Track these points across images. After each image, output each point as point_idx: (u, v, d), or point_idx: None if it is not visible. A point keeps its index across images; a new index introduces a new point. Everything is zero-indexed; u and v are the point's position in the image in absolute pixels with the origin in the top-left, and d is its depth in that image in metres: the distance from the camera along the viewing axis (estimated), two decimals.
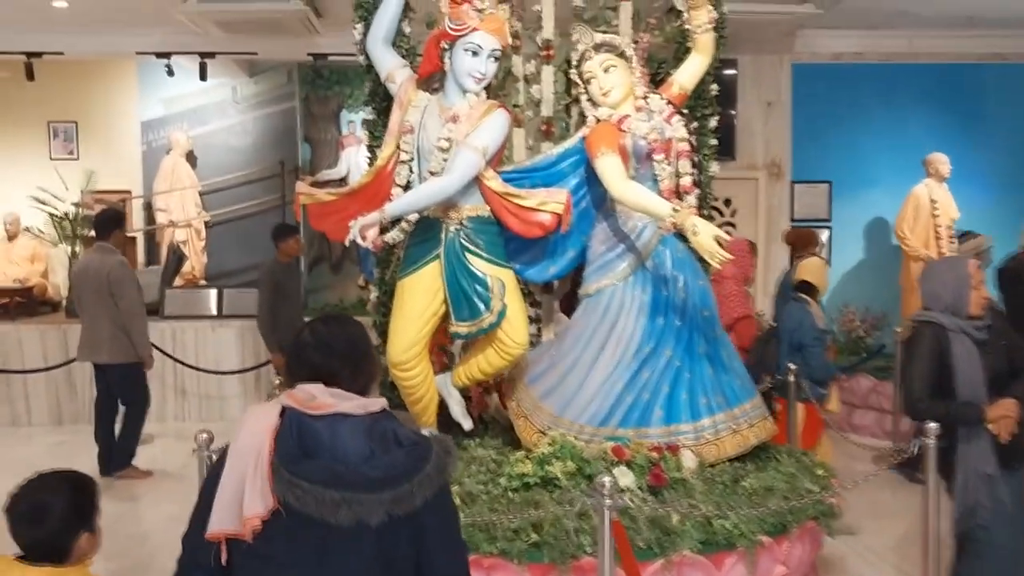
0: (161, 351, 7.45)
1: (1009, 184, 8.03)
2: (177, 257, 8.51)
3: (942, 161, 7.22)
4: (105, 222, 6.17)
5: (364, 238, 3.42)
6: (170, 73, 7.94)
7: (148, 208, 9.22)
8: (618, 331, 3.69)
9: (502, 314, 3.56)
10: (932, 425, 3.33)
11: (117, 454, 6.12)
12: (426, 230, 3.73)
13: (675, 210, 3.36)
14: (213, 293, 8.23)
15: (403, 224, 3.79)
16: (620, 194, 3.53)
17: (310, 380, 1.85)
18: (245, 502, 1.71)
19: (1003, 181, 8.02)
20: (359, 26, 4.13)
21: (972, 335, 3.22)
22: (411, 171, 3.76)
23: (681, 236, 3.55)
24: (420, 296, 3.67)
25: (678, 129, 3.75)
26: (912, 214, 7.25)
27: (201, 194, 9.14)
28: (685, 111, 3.93)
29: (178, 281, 8.62)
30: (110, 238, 6.11)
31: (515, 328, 3.63)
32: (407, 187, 3.75)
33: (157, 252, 9.17)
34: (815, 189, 8.13)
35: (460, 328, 3.62)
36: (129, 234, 9.04)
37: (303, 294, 6.89)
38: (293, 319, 6.36)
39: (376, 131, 4.25)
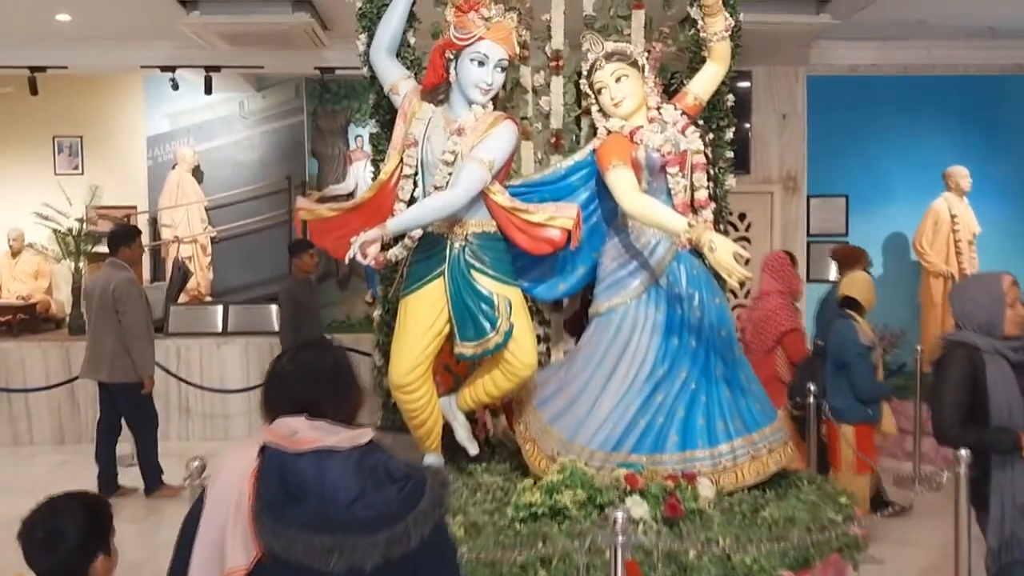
0: (164, 369, 7.34)
1: None
2: (182, 273, 8.41)
3: (962, 175, 7.06)
4: (114, 237, 6.08)
5: (364, 255, 3.27)
6: (175, 87, 7.84)
7: (153, 224, 9.12)
8: (631, 351, 3.52)
9: (509, 334, 3.40)
10: (964, 452, 3.15)
11: (146, 476, 6.03)
12: (430, 246, 3.58)
13: (691, 225, 3.20)
14: (219, 309, 8.11)
15: (406, 240, 3.65)
16: (633, 208, 3.37)
17: (291, 412, 1.69)
18: (226, 554, 1.55)
19: (1022, 194, 7.81)
20: (363, 36, 4.02)
21: (1008, 356, 3.04)
22: (415, 185, 3.62)
23: (697, 252, 3.40)
24: (423, 315, 3.51)
25: (693, 141, 3.59)
26: (931, 229, 7.09)
27: (207, 209, 9.06)
28: (700, 122, 3.77)
29: (183, 297, 8.53)
30: (118, 253, 5.99)
31: (523, 348, 3.47)
32: (411, 202, 3.61)
33: (163, 268, 9.07)
34: (831, 203, 7.96)
35: (465, 349, 3.47)
36: None
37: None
38: (314, 336, 6.24)
39: (380, 144, 4.12)
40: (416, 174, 3.61)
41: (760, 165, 7.92)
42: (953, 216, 7.01)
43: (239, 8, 6.19)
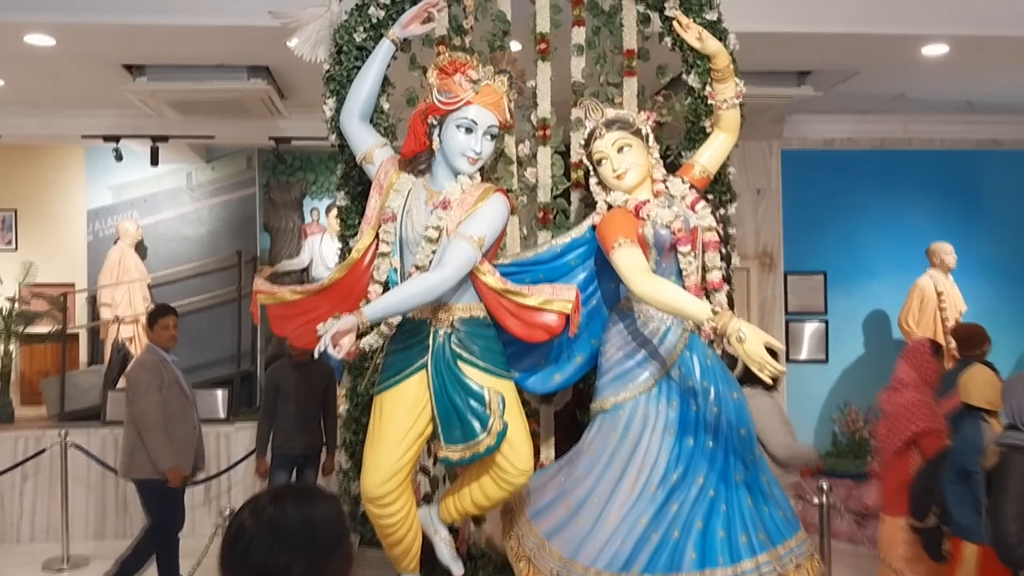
0: (100, 462, 6.74)
1: (1014, 276, 7.65)
2: (122, 356, 7.86)
3: (947, 251, 6.88)
4: (147, 318, 5.62)
5: (337, 347, 2.82)
6: (118, 158, 7.36)
7: (92, 303, 8.57)
8: (640, 454, 3.09)
9: (502, 435, 2.96)
10: None
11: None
12: (410, 335, 3.14)
13: (715, 312, 2.81)
14: None
15: (382, 327, 3.20)
16: (645, 292, 2.97)
17: None
18: None
19: (1006, 273, 7.65)
20: (330, 101, 3.64)
21: None
22: (392, 265, 3.20)
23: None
24: (402, 415, 3.06)
25: (704, 217, 3.23)
26: (918, 307, 6.87)
27: (150, 287, 8.53)
28: (710, 196, 3.43)
29: (123, 382, 7.92)
30: (150, 336, 5.50)
31: (517, 452, 3.03)
32: (387, 285, 3.18)
33: (102, 351, 8.47)
34: (810, 280, 7.70)
35: (451, 453, 3.02)
36: (70, 331, 8.39)
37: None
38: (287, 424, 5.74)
39: (350, 219, 3.72)
40: (393, 252, 3.20)
41: (735, 241, 7.63)
42: (939, 293, 6.80)
43: (190, 75, 5.77)
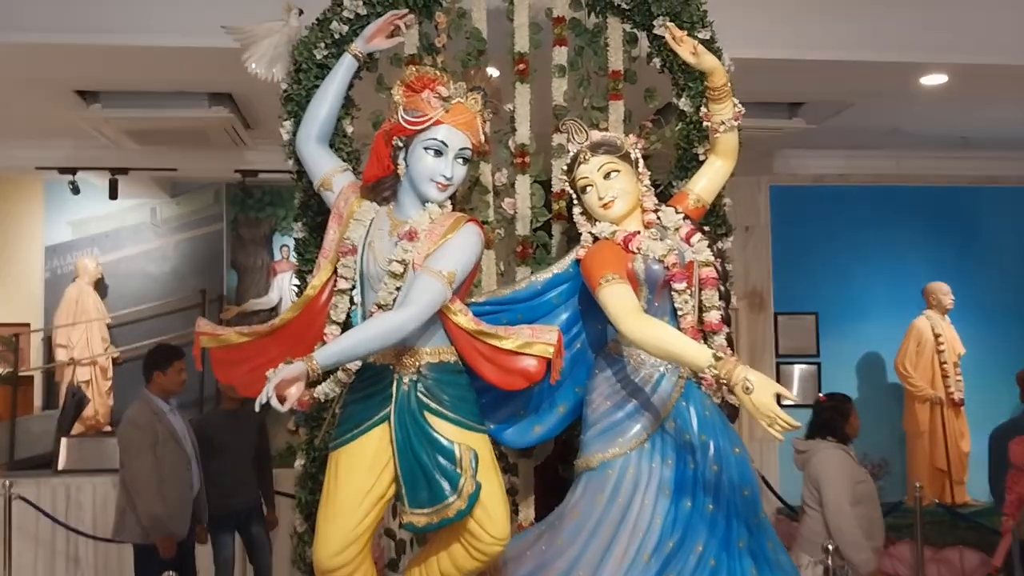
0: (50, 517, 6.27)
1: (1013, 316, 7.40)
2: (77, 400, 7.40)
3: (944, 291, 6.64)
4: (146, 362, 5.06)
5: (282, 399, 2.46)
6: (75, 191, 6.99)
7: (48, 343, 8.16)
8: (632, 518, 2.73)
9: (474, 498, 2.63)
10: None
11: None
12: (371, 382, 2.80)
13: (717, 358, 2.47)
14: (116, 442, 7.09)
15: (339, 374, 2.85)
16: (637, 334, 2.63)
17: None
18: None
19: (1006, 313, 7.40)
20: (288, 123, 3.30)
21: None
22: (352, 303, 2.86)
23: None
24: (360, 475, 2.71)
25: (701, 250, 2.90)
26: (915, 349, 6.60)
27: (110, 327, 8.15)
28: (707, 228, 3.10)
29: (79, 427, 7.51)
30: (151, 383, 4.98)
31: (492, 518, 2.69)
32: (346, 325, 2.84)
33: (57, 394, 8.05)
34: (801, 321, 7.41)
35: (416, 518, 2.67)
36: (23, 373, 7.97)
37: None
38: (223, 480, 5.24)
39: (307, 252, 3.36)
40: (353, 288, 2.86)
41: (733, 278, 7.36)
42: (937, 336, 6.55)
43: (147, 101, 5.41)
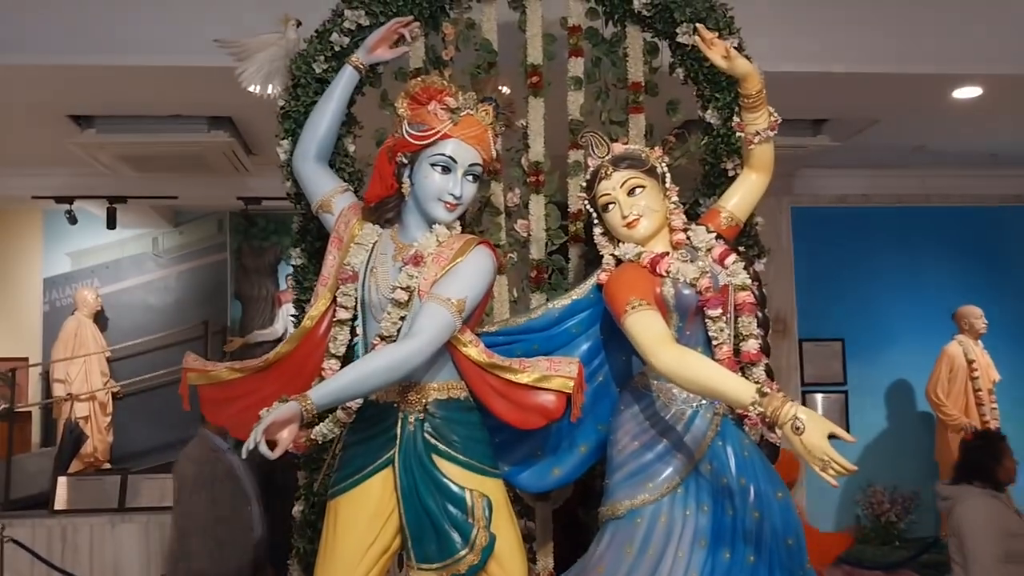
0: (44, 561, 5.99)
1: None
2: (74, 437, 7.13)
3: (976, 315, 6.37)
4: None
5: (273, 444, 2.20)
6: (72, 221, 6.81)
7: (47, 378, 7.94)
8: (664, 572, 2.45)
9: (488, 551, 2.39)
10: None
11: None
12: (373, 422, 2.55)
13: (762, 394, 2.20)
14: (116, 480, 6.83)
15: (338, 413, 2.59)
16: (668, 366, 2.36)
17: None
18: None
19: None
20: (285, 143, 3.06)
21: None
22: (353, 335, 2.62)
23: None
24: (361, 527, 2.45)
25: (736, 273, 2.64)
26: (947, 376, 6.33)
27: (109, 361, 7.92)
28: (741, 248, 2.85)
29: (77, 465, 7.26)
30: (205, 421, 4.61)
31: (509, 572, 2.45)
32: (347, 358, 2.59)
33: (55, 431, 7.82)
34: (827, 348, 7.12)
35: (425, 574, 2.42)
36: (21, 409, 7.74)
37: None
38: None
39: (306, 280, 3.12)
40: (355, 319, 2.61)
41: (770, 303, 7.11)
42: (971, 361, 6.28)
43: (144, 126, 5.23)
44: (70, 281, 8.13)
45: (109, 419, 7.82)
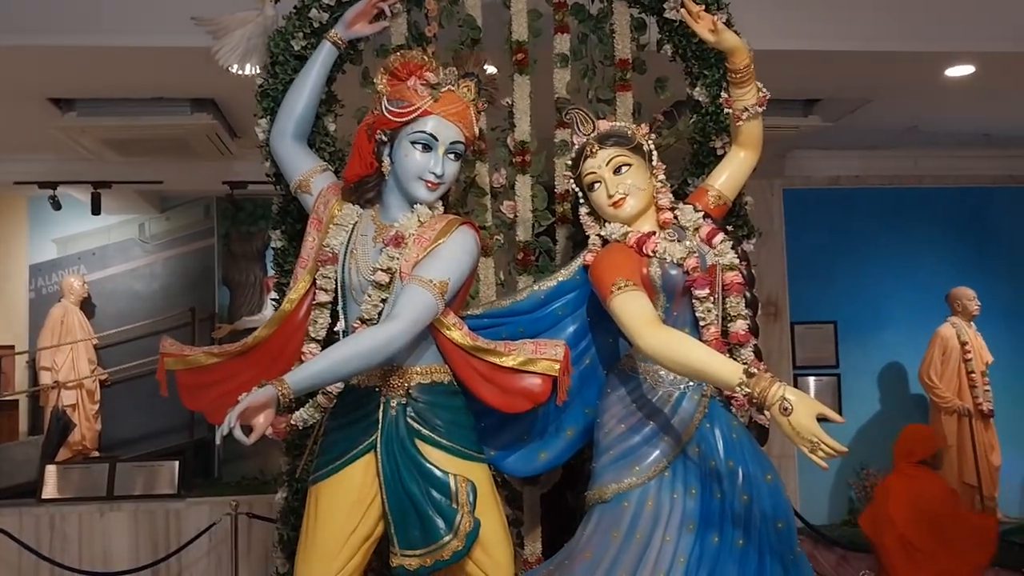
0: (32, 550, 5.94)
1: None
2: (62, 425, 7.07)
3: (969, 297, 6.32)
4: None
5: (249, 429, 2.15)
6: (56, 207, 6.72)
7: (34, 366, 7.85)
8: (652, 557, 2.41)
9: (472, 536, 2.34)
10: None
11: None
12: (353, 407, 2.50)
13: (749, 374, 2.15)
14: (104, 468, 6.78)
15: (319, 398, 2.54)
16: (655, 348, 2.31)
17: None
18: None
19: None
20: (263, 122, 3.01)
21: None
22: (335, 319, 2.57)
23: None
24: (343, 513, 2.40)
25: (724, 253, 2.59)
26: (940, 358, 6.28)
27: (97, 348, 7.84)
28: (729, 228, 2.79)
29: (64, 453, 7.19)
30: None
31: (493, 558, 2.41)
32: (328, 342, 2.54)
33: (43, 419, 7.76)
34: (819, 331, 7.06)
35: (408, 560, 2.37)
36: (7, 397, 7.67)
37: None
38: None
39: (286, 263, 3.07)
40: (335, 302, 2.56)
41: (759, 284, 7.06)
42: (963, 344, 6.24)
43: (126, 108, 5.13)
44: (56, 268, 8.04)
45: (97, 407, 7.75)
